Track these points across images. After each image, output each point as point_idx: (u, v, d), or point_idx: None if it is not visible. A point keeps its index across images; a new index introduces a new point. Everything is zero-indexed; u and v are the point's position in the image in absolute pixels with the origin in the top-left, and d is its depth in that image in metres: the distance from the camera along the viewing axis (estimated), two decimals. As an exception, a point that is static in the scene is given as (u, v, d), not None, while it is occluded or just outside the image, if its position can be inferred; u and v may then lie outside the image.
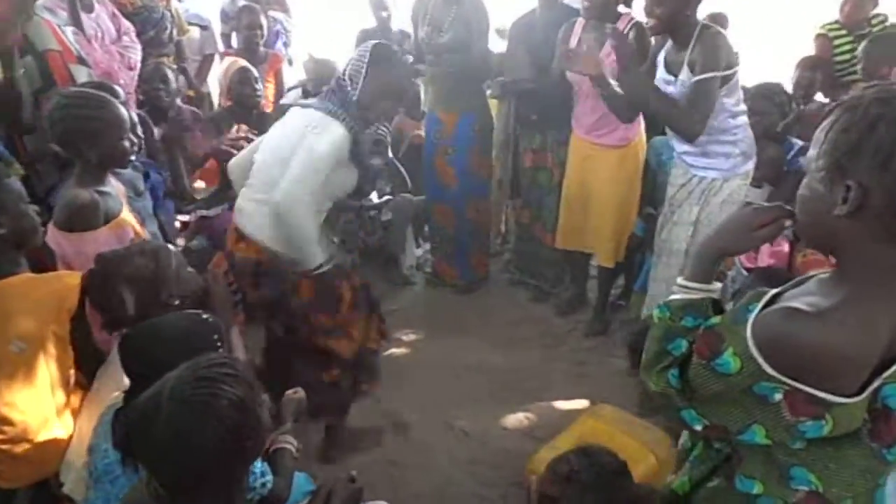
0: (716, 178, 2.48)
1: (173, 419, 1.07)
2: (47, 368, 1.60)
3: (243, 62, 3.36)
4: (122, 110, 2.00)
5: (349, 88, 2.16)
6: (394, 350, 3.16)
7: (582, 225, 3.24)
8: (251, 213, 2.15)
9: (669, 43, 2.41)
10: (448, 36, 3.30)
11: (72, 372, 1.67)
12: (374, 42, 2.24)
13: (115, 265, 1.62)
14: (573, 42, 2.98)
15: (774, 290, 1.03)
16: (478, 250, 3.73)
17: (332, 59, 3.67)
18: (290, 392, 1.78)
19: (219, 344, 1.45)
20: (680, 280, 1.15)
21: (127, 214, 2.00)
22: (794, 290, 1.03)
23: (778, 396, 0.96)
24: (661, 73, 2.44)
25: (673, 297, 1.13)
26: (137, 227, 2.02)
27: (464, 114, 3.43)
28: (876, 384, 0.94)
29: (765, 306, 0.99)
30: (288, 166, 2.05)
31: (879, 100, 0.87)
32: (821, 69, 3.39)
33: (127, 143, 1.99)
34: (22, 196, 1.65)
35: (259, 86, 3.33)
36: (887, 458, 0.99)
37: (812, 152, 0.97)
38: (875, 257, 0.91)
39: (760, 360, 0.94)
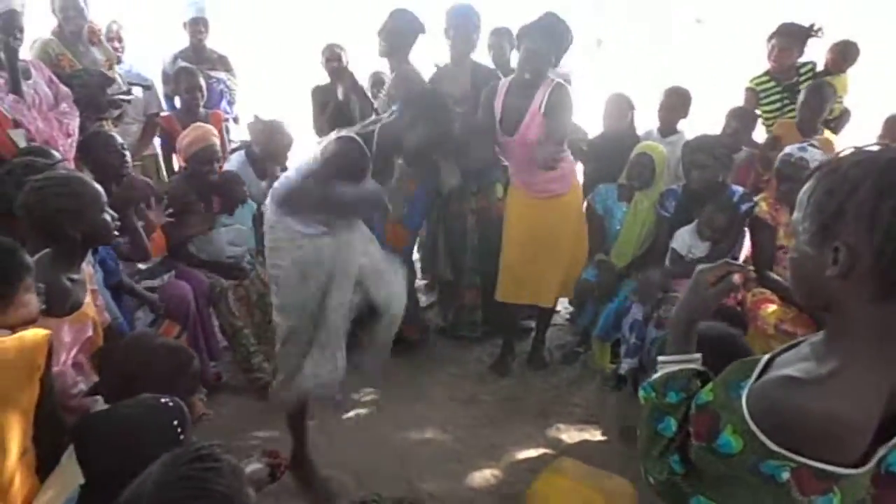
0: None
1: None
2: (13, 439, 1.49)
3: (213, 137, 3.26)
4: (96, 184, 1.99)
5: None
6: (353, 410, 3.09)
7: (526, 276, 3.28)
8: None
9: None
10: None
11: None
12: None
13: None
14: (497, 104, 3.10)
15: (766, 358, 1.02)
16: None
17: (281, 120, 3.66)
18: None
19: (179, 430, 1.41)
20: (659, 357, 1.15)
21: (89, 305, 1.95)
22: (785, 356, 1.01)
23: (786, 475, 0.92)
24: None
25: (655, 375, 1.13)
26: (97, 317, 1.97)
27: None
28: (882, 453, 0.92)
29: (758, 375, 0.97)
30: None
31: (858, 163, 0.91)
32: (744, 119, 3.58)
33: (108, 217, 1.97)
34: None
35: (217, 164, 3.28)
36: None
37: (797, 215, 0.98)
38: (869, 317, 0.91)
39: (762, 437, 0.92)
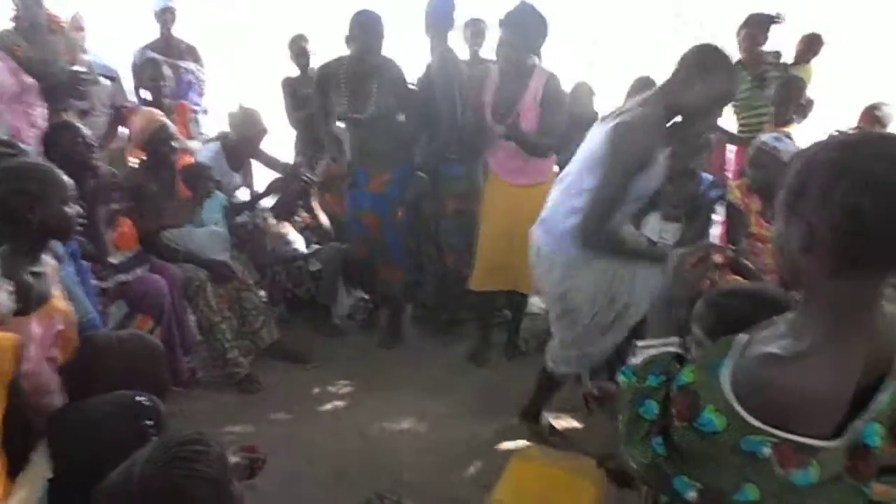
0: None
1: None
2: None
3: (162, 118, 3.23)
4: (65, 177, 1.91)
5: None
6: (330, 403, 3.09)
7: (505, 264, 3.28)
8: None
9: None
10: (372, 110, 3.29)
11: None
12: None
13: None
14: (488, 92, 3.11)
15: (746, 338, 1.04)
16: None
17: (255, 109, 3.63)
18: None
19: (152, 428, 1.41)
20: (638, 342, 1.17)
21: (58, 298, 1.88)
22: (763, 333, 1.04)
23: (766, 451, 0.95)
24: None
25: (634, 359, 1.15)
26: (67, 309, 1.91)
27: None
28: (858, 425, 0.95)
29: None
30: None
31: (825, 146, 0.95)
32: None
33: (69, 211, 1.89)
34: None
35: (176, 143, 3.23)
36: (866, 493, 1.01)
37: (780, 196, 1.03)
38: (833, 293, 0.94)
39: (744, 413, 0.94)
